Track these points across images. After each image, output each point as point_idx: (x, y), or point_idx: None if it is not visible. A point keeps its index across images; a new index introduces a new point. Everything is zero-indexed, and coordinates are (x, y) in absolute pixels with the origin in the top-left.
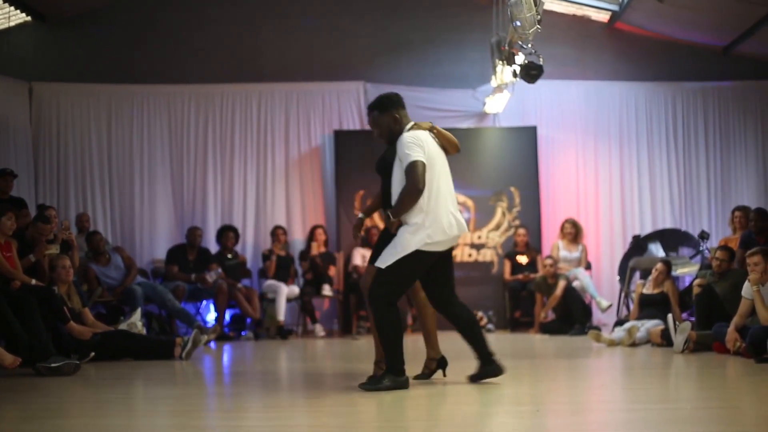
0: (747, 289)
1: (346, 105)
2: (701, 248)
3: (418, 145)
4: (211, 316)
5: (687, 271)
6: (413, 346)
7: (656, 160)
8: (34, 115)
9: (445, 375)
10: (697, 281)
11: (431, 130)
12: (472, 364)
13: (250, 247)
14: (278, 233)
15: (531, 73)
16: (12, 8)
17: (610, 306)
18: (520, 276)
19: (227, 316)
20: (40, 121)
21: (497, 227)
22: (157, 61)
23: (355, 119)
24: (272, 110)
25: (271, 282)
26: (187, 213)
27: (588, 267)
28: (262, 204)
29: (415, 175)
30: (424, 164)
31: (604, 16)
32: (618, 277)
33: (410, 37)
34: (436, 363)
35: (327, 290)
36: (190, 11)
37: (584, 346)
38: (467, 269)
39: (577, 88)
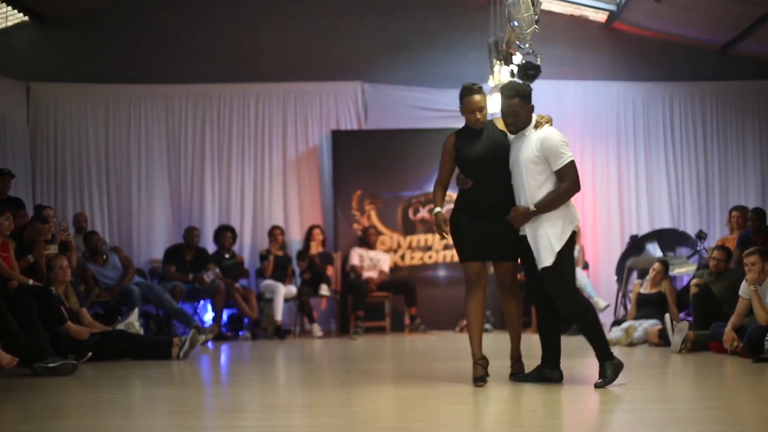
0: (744, 289)
1: (344, 105)
2: (699, 248)
3: (566, 143)
4: (208, 316)
5: (684, 270)
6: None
7: (654, 159)
8: (31, 115)
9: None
10: (694, 281)
11: (550, 122)
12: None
13: (247, 247)
14: (276, 233)
15: (529, 73)
16: (10, 8)
17: (608, 306)
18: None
19: (225, 316)
20: (38, 121)
21: None
22: (154, 61)
23: (353, 119)
24: (270, 110)
25: (268, 282)
26: (184, 213)
27: (585, 267)
28: (260, 204)
29: (576, 174)
30: None
31: (601, 16)
32: (615, 277)
33: (408, 37)
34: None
35: (324, 290)
36: (188, 11)
37: (582, 346)
38: None
39: (575, 88)
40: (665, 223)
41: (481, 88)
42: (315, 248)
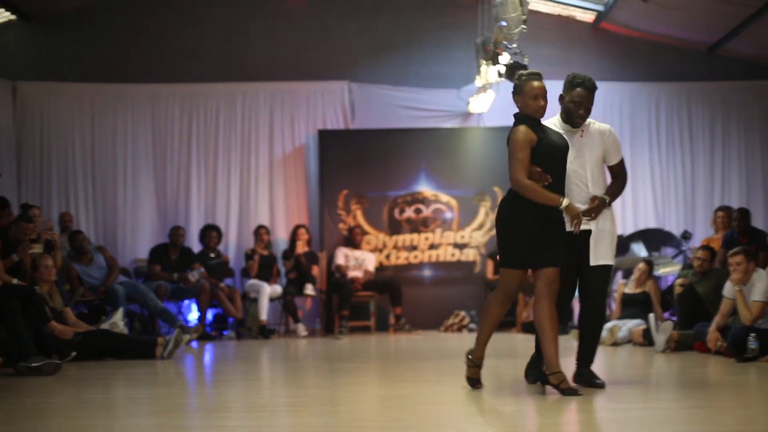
0: (729, 289)
1: (331, 105)
2: (683, 248)
3: None
4: (193, 316)
5: (669, 270)
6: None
7: (639, 159)
8: (17, 113)
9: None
10: (679, 281)
11: None
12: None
13: (233, 246)
14: (261, 233)
15: (516, 73)
16: None
17: None
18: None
19: (209, 316)
20: (24, 120)
21: (480, 227)
22: (141, 61)
23: (340, 119)
24: (256, 110)
25: (253, 281)
26: (170, 212)
27: None
28: (246, 203)
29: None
30: None
31: (589, 16)
32: None
33: (395, 37)
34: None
35: (310, 290)
36: (175, 11)
37: (566, 346)
38: (450, 269)
39: (561, 89)
40: (650, 223)
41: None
42: (300, 248)
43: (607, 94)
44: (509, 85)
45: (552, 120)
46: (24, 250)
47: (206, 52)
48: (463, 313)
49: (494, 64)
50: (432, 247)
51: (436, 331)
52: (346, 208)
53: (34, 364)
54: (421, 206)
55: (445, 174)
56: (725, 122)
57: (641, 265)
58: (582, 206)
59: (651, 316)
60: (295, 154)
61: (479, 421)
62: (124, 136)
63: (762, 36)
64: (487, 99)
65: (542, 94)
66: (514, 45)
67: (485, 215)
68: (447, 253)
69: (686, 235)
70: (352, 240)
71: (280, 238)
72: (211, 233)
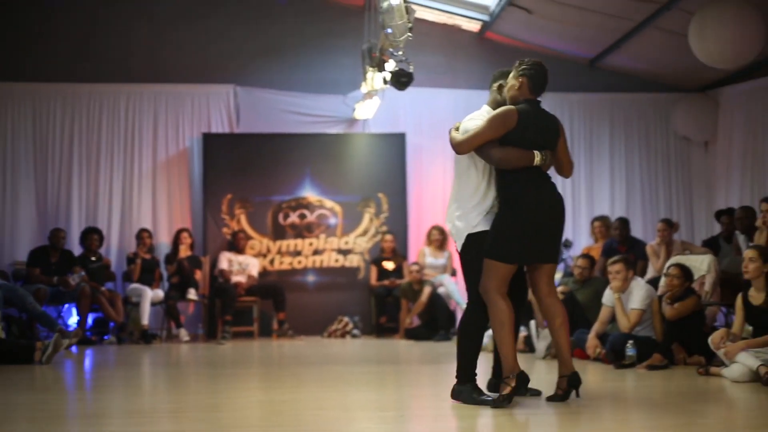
0: (608, 297)
1: (216, 108)
2: (564, 256)
3: None
4: (73, 320)
5: None
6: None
7: None
8: None
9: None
10: (559, 288)
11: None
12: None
13: (114, 249)
14: (143, 236)
15: (401, 80)
16: None
17: None
18: (386, 282)
19: (90, 320)
20: None
21: (364, 233)
22: (21, 59)
23: (225, 122)
24: (140, 111)
25: (135, 285)
26: (50, 214)
27: (453, 273)
28: (128, 206)
29: None
30: None
31: (474, 26)
32: None
33: (282, 42)
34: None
35: (192, 294)
36: (56, 9)
37: (448, 352)
38: (334, 274)
39: (446, 97)
40: None
41: None
42: (183, 252)
43: None
44: (394, 92)
45: (480, 112)
46: None
47: (90, 52)
48: (346, 319)
49: (380, 71)
50: (316, 252)
51: (320, 337)
52: (229, 213)
53: None
54: (305, 211)
55: (330, 179)
56: (606, 133)
57: None
58: None
59: (532, 323)
60: (179, 157)
61: (360, 427)
62: (3, 135)
63: (641, 50)
64: (372, 105)
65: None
66: (400, 52)
67: (369, 221)
68: (331, 259)
69: (567, 244)
70: (236, 245)
71: (163, 242)
72: (92, 236)
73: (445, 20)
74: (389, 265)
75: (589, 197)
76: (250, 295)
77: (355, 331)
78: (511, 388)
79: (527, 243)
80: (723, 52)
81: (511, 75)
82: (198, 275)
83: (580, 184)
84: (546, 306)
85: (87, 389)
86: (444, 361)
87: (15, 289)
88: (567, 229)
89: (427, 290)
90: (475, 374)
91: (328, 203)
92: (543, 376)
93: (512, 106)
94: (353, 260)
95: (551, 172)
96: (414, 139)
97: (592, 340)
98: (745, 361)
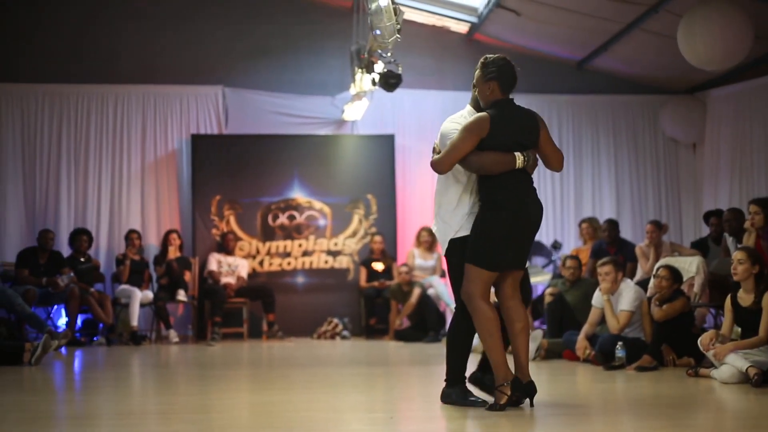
0: (597, 298)
1: (204, 109)
2: (553, 258)
3: None
4: (62, 321)
5: (539, 280)
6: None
7: None
8: None
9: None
10: (548, 290)
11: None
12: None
13: (103, 251)
14: (132, 237)
15: (389, 81)
16: None
17: None
18: (375, 283)
19: (79, 321)
20: None
21: (354, 234)
22: (9, 59)
23: (213, 123)
24: (129, 112)
25: (124, 287)
26: (39, 215)
27: (443, 275)
28: (117, 207)
29: None
30: None
31: (463, 28)
32: None
33: (270, 43)
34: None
35: (182, 295)
36: (45, 9)
37: (438, 354)
38: (323, 276)
39: (435, 98)
40: None
41: None
42: (172, 253)
43: None
44: (383, 94)
45: (462, 112)
46: None
47: (78, 53)
48: (336, 321)
49: (369, 72)
50: (305, 254)
51: (309, 338)
52: (219, 214)
53: None
54: (294, 213)
55: (319, 181)
56: (594, 135)
57: None
58: None
59: None
60: (168, 159)
61: (350, 429)
62: None
63: (629, 52)
64: (361, 107)
65: None
66: (389, 54)
67: (359, 223)
68: (320, 260)
69: (556, 245)
70: (225, 246)
71: (152, 243)
72: (81, 237)
73: (434, 22)
74: (379, 267)
75: (578, 199)
76: (239, 296)
77: (345, 333)
78: (507, 396)
79: (507, 250)
80: (711, 54)
81: (477, 77)
82: (187, 276)
83: (569, 185)
84: (507, 309)
85: (76, 390)
86: (433, 362)
87: (3, 290)
88: (556, 230)
89: (416, 291)
90: (465, 377)
91: (317, 204)
92: (532, 377)
93: (483, 114)
94: (342, 261)
95: (540, 172)
96: (402, 141)
97: (581, 342)
98: (734, 362)
